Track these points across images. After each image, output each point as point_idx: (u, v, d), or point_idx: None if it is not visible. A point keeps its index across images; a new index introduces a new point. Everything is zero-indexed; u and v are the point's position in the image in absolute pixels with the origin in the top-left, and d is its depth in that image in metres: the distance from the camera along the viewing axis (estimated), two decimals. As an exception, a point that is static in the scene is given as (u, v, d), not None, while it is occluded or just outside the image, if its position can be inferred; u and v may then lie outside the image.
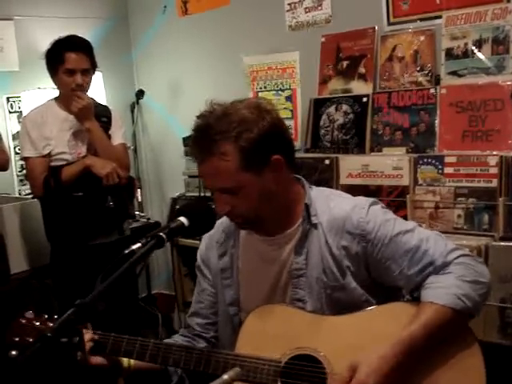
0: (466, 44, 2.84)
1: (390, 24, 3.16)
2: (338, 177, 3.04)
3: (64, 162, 3.14)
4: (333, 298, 1.67)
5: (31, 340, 1.66)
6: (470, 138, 2.77)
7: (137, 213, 4.29)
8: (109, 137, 3.28)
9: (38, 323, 1.70)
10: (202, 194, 3.75)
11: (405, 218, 2.63)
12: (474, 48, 2.81)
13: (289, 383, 1.56)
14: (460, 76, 2.85)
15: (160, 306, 4.49)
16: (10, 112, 4.08)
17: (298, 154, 3.32)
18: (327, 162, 3.08)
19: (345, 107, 3.21)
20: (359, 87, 3.23)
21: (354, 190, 2.83)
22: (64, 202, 3.13)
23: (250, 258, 1.78)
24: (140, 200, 4.59)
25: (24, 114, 3.67)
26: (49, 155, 3.16)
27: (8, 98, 4.06)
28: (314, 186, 1.78)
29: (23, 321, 1.70)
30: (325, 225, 1.68)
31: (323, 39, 3.41)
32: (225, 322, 1.82)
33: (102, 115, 3.29)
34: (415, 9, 3.05)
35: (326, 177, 3.06)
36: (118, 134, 3.36)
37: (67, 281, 3.20)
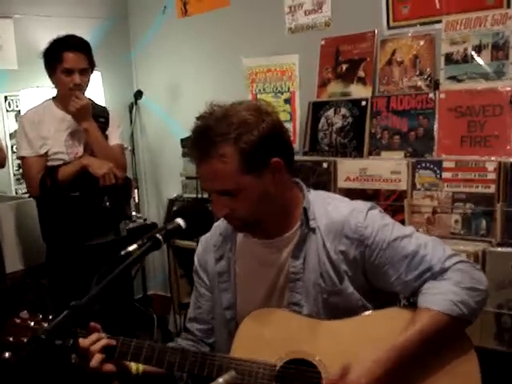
0: (465, 49, 2.84)
1: (389, 28, 3.16)
2: (336, 180, 3.04)
3: (61, 162, 3.13)
4: (329, 303, 1.66)
5: (25, 340, 1.65)
6: (468, 143, 2.77)
7: (134, 213, 4.28)
8: (106, 137, 3.27)
9: (32, 323, 1.69)
10: (200, 196, 3.75)
11: (402, 222, 2.63)
12: (473, 53, 2.81)
13: (284, 387, 1.55)
14: (459, 81, 2.85)
15: (155, 308, 4.48)
16: (8, 111, 4.07)
17: (296, 157, 3.29)
18: (325, 165, 3.08)
19: (343, 111, 3.21)
20: (358, 91, 3.23)
21: (351, 194, 2.83)
22: (60, 201, 3.12)
23: (247, 262, 1.77)
24: (137, 201, 4.58)
25: (22, 112, 3.67)
26: (46, 155, 3.15)
27: (6, 97, 4.05)
28: (311, 190, 1.77)
29: (18, 320, 1.69)
30: (323, 229, 1.67)
31: (323, 42, 3.41)
32: (221, 325, 1.81)
33: (100, 116, 3.28)
34: (415, 13, 3.05)
35: (324, 180, 3.06)
36: (116, 135, 3.35)
37: (63, 281, 3.19)
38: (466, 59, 2.84)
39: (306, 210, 1.69)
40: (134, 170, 4.65)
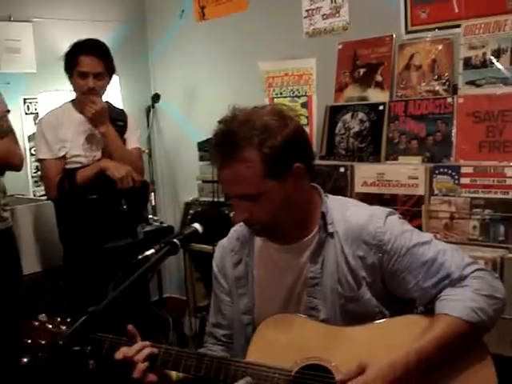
0: (484, 53, 2.82)
1: (407, 32, 3.14)
2: (353, 185, 3.02)
3: (79, 165, 3.15)
4: (347, 308, 1.66)
5: (44, 342, 1.66)
6: (487, 148, 2.75)
7: (150, 217, 4.29)
8: (124, 141, 3.29)
9: (50, 326, 1.70)
10: (216, 200, 3.75)
11: (419, 228, 2.61)
12: (492, 58, 2.79)
13: (299, 393, 1.55)
14: (478, 86, 2.83)
15: (171, 310, 4.48)
16: (27, 113, 4.10)
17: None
18: (342, 169, 3.07)
19: (361, 115, 3.20)
20: (375, 95, 3.22)
21: (368, 199, 2.81)
22: (78, 204, 3.14)
23: (265, 267, 1.77)
24: (154, 204, 4.60)
25: (40, 115, 3.69)
26: (64, 157, 3.17)
27: (25, 100, 4.08)
28: (329, 195, 1.77)
29: (36, 323, 1.71)
30: (341, 234, 1.67)
31: (340, 46, 3.40)
32: (239, 330, 1.81)
33: (118, 119, 3.31)
34: (434, 17, 3.03)
35: (341, 185, 3.04)
36: (133, 139, 3.37)
37: (80, 283, 3.21)
38: (485, 64, 2.81)
39: (324, 215, 1.68)
40: (151, 173, 4.67)
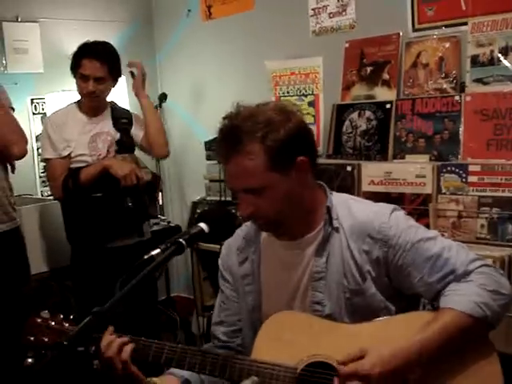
0: (491, 51, 2.81)
1: (414, 30, 3.14)
2: (360, 184, 3.02)
3: (84, 164, 3.17)
4: (352, 303, 1.66)
5: (46, 340, 1.66)
6: (494, 146, 2.74)
7: (158, 215, 4.29)
8: (131, 138, 3.31)
9: (53, 323, 1.70)
10: (223, 199, 3.75)
11: (427, 226, 2.60)
12: (499, 55, 2.78)
13: (305, 390, 1.55)
14: (485, 83, 2.82)
15: (179, 310, 4.49)
16: (34, 114, 4.11)
17: (320, 160, 3.29)
18: (349, 168, 3.06)
19: (368, 113, 3.19)
20: (383, 93, 3.21)
21: (375, 198, 2.80)
22: (83, 203, 3.15)
23: (271, 264, 1.77)
24: (161, 203, 4.60)
25: (48, 115, 3.70)
26: (69, 157, 3.18)
27: (32, 100, 4.10)
28: (334, 192, 1.78)
29: (39, 320, 1.70)
30: (347, 229, 1.68)
31: (347, 45, 3.40)
32: (247, 328, 1.81)
33: (123, 117, 3.33)
34: (440, 15, 3.02)
35: (348, 184, 3.04)
36: (141, 134, 3.39)
37: (87, 283, 3.22)
38: (493, 61, 2.80)
39: (329, 209, 1.69)
40: (158, 173, 4.66)
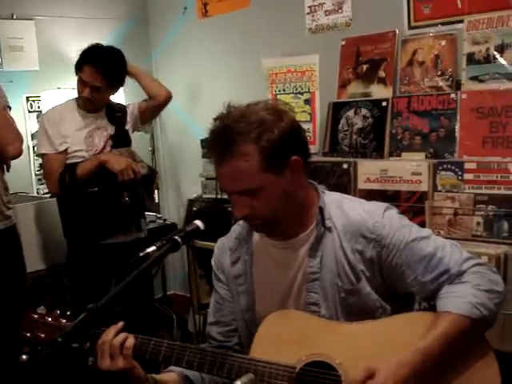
0: (487, 49, 2.81)
1: (410, 28, 3.14)
2: (356, 181, 3.02)
3: (81, 160, 3.16)
4: (347, 303, 1.66)
5: (43, 336, 1.66)
6: (490, 144, 2.74)
7: (153, 214, 4.29)
8: (126, 133, 3.33)
9: (50, 319, 1.69)
10: (219, 196, 3.75)
11: (423, 224, 2.61)
12: (495, 53, 2.78)
13: (303, 390, 1.55)
14: (481, 81, 2.82)
15: (175, 308, 4.49)
16: (30, 111, 4.10)
17: (316, 158, 3.31)
18: (345, 166, 3.06)
19: (364, 111, 3.19)
20: (379, 91, 3.21)
21: (371, 195, 2.82)
22: (80, 198, 3.15)
23: (263, 264, 1.77)
24: (157, 201, 4.60)
25: (44, 111, 3.70)
26: (65, 152, 3.18)
27: (28, 98, 4.09)
28: (326, 191, 1.77)
29: (35, 316, 1.70)
30: (340, 229, 1.67)
31: (343, 42, 3.39)
32: (242, 328, 1.81)
33: (117, 111, 3.36)
34: (436, 13, 3.02)
35: (344, 181, 3.04)
36: (136, 107, 3.49)
37: (83, 280, 3.22)
38: (488, 59, 2.80)
39: (321, 209, 1.68)
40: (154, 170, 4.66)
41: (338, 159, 3.17)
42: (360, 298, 1.65)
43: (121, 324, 1.65)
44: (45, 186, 3.72)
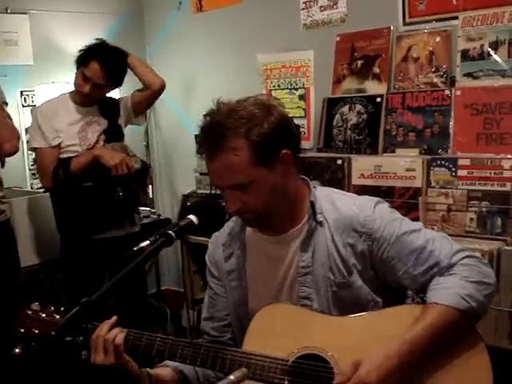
0: (482, 46, 2.81)
1: (405, 24, 3.14)
2: (350, 177, 3.02)
3: (74, 154, 3.16)
4: (339, 296, 1.67)
5: (37, 332, 1.66)
6: (484, 140, 2.75)
7: (147, 209, 4.29)
8: (119, 127, 3.34)
9: (44, 315, 1.70)
10: (213, 192, 3.75)
11: (416, 220, 2.61)
12: (490, 50, 2.79)
13: (296, 382, 1.55)
14: (475, 78, 2.83)
15: (169, 303, 4.49)
16: (24, 106, 4.09)
17: (310, 154, 3.31)
18: (339, 161, 3.07)
19: (358, 107, 3.19)
20: (373, 87, 3.21)
21: (365, 191, 2.82)
22: (73, 192, 3.15)
23: (256, 259, 1.77)
24: (151, 196, 4.59)
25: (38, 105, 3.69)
26: (58, 147, 3.17)
27: (22, 92, 4.07)
28: (317, 186, 1.78)
29: (29, 312, 1.70)
30: (331, 223, 1.68)
31: (338, 38, 3.39)
32: (235, 322, 1.81)
33: (110, 105, 3.37)
34: (431, 9, 3.03)
35: (338, 177, 3.04)
36: (129, 99, 3.50)
37: (77, 275, 3.22)
38: (483, 56, 2.81)
39: (313, 204, 1.69)
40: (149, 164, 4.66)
41: (333, 155, 3.17)
42: (352, 292, 1.66)
43: (114, 319, 1.67)
44: (38, 180, 3.71)
